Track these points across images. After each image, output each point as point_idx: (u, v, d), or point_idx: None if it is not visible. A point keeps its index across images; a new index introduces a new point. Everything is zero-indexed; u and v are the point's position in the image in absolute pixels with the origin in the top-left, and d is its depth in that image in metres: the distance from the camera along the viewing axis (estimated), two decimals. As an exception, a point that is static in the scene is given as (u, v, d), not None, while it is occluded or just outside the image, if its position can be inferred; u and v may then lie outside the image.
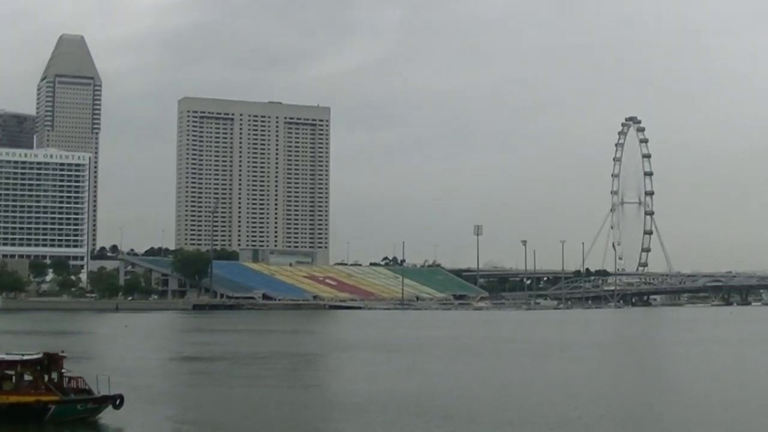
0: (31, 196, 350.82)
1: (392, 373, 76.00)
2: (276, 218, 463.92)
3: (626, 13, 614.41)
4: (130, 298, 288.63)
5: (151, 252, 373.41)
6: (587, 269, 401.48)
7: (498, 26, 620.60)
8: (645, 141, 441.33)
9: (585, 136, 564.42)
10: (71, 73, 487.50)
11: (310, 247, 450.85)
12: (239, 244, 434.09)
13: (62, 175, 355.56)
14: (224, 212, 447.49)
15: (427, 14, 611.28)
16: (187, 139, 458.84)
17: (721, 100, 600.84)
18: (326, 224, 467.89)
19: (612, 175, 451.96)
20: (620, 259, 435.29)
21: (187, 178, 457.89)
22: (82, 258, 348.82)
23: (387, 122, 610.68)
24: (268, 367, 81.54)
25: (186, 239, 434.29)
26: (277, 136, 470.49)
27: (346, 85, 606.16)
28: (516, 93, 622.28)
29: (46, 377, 47.07)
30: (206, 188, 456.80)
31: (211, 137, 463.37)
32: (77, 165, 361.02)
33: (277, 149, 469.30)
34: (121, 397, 47.43)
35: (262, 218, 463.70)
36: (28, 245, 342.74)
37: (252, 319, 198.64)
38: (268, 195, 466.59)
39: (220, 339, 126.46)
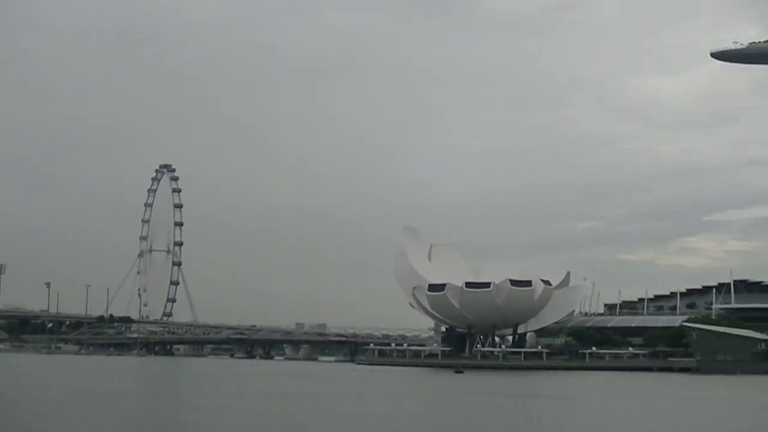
0: None
1: None
2: None
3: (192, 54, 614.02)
4: None
5: None
6: (111, 315, 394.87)
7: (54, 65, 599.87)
8: (178, 191, 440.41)
9: (121, 179, 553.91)
10: None
11: None
12: None
13: None
14: None
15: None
16: None
17: (258, 158, 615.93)
18: None
19: (142, 221, 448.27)
20: (145, 306, 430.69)
21: None
22: None
23: None
24: None
25: None
26: None
27: None
28: (66, 131, 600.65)
29: None
30: None
31: None
32: None
33: None
34: None
35: None
36: None
37: None
38: None
39: None
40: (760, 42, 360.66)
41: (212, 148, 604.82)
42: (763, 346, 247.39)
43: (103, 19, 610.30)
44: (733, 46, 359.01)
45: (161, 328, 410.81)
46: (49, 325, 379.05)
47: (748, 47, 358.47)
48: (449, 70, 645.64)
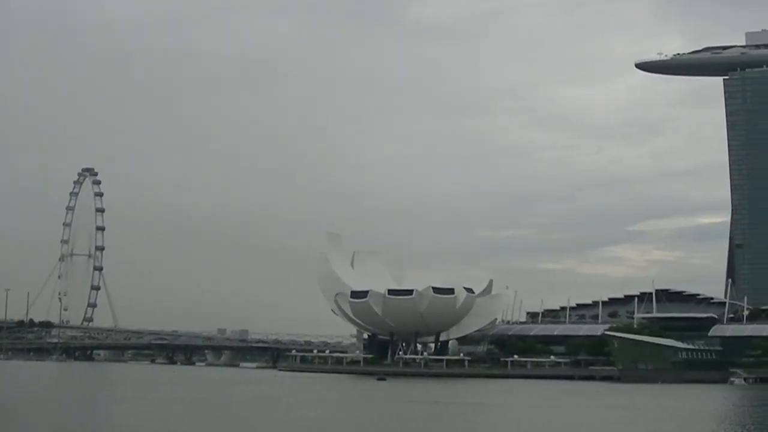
0: None
1: None
2: None
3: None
4: None
5: None
6: (31, 320, 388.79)
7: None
8: (100, 194, 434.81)
9: (43, 181, 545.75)
10: None
11: None
12: None
13: None
14: None
15: None
16: None
17: (182, 162, 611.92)
18: None
19: (64, 224, 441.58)
20: (66, 310, 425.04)
21: None
22: None
23: None
24: None
25: None
26: None
27: None
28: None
29: None
30: None
31: None
32: None
33: None
34: None
35: None
36: None
37: None
38: None
39: None
40: (684, 54, 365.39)
41: (136, 150, 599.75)
42: (684, 355, 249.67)
43: (27, 17, 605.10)
44: (657, 58, 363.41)
45: (82, 333, 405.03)
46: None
47: (672, 59, 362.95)
48: (375, 77, 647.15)
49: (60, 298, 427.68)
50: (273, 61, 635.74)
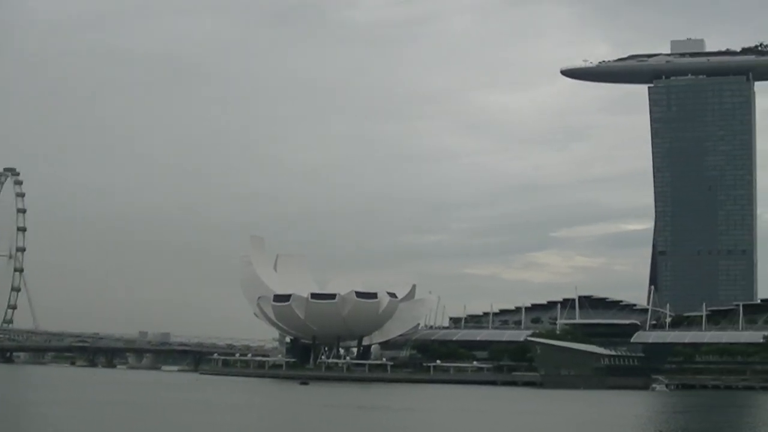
0: None
1: None
2: None
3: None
4: None
5: None
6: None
7: None
8: (22, 195, 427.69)
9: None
10: None
11: None
12: None
13: None
14: None
15: None
16: None
17: (104, 164, 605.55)
18: None
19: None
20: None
21: None
22: None
23: None
24: None
25: None
26: None
27: None
28: None
29: None
30: None
31: None
32: None
33: None
34: None
35: None
36: None
37: None
38: None
39: None
40: (609, 61, 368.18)
41: (58, 151, 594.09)
42: (607, 361, 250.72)
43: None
44: (583, 64, 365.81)
45: (1, 335, 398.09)
46: None
47: (597, 66, 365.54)
48: (300, 79, 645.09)
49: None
50: (196, 62, 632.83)
